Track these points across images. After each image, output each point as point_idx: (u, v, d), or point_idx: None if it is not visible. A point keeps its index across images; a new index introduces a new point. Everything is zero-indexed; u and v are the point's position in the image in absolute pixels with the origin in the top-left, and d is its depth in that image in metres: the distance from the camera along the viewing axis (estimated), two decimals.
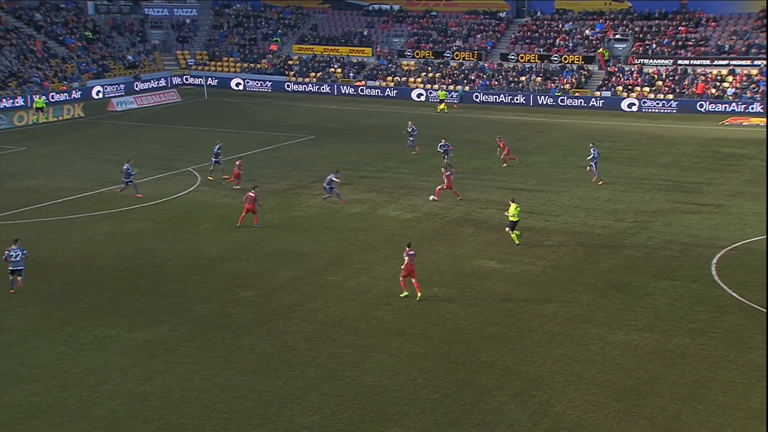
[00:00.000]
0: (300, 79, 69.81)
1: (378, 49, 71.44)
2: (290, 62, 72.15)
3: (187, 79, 71.64)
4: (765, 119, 53.92)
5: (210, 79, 69.67)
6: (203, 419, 17.04)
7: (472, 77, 66.17)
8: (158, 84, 68.84)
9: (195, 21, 78.80)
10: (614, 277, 25.53)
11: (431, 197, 34.24)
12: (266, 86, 69.33)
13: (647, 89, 61.22)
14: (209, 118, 55.82)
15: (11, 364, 19.25)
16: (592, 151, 37.40)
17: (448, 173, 34.11)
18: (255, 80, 70.00)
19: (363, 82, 67.93)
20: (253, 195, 30.02)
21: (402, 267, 23.58)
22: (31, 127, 51.47)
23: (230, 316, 22.35)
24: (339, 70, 70.28)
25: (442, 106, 59.49)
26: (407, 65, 69.72)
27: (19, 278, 23.80)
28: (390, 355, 20.00)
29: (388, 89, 66.61)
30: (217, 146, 37.89)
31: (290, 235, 29.63)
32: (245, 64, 72.55)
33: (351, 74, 69.38)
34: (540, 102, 61.98)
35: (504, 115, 57.91)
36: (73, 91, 61.57)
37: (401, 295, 23.54)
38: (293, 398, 17.90)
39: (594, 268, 26.25)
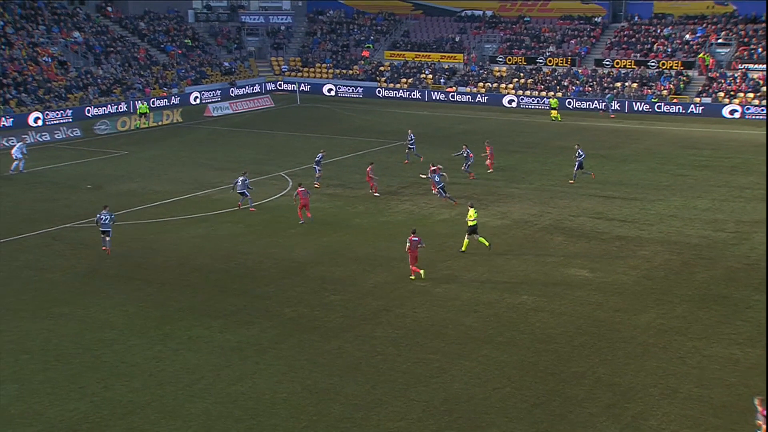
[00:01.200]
0: (391, 85, 70.20)
1: (473, 56, 71.14)
2: (382, 68, 72.67)
3: (280, 85, 73.04)
4: None
5: (303, 85, 70.82)
6: (292, 421, 17.32)
7: (565, 83, 65.17)
8: (253, 90, 70.44)
9: (289, 28, 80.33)
10: (712, 288, 24.67)
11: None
12: (358, 92, 70.02)
13: (751, 95, 58.95)
14: (301, 123, 56.76)
15: (112, 360, 20.02)
16: (577, 154, 37.76)
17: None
18: (347, 86, 70.79)
19: (454, 88, 67.82)
20: (303, 189, 31.67)
21: (406, 250, 25.44)
22: (132, 132, 53.45)
23: (319, 319, 22.64)
24: (430, 76, 70.35)
25: (555, 113, 58.56)
26: (499, 71, 69.21)
27: (107, 239, 27.50)
28: (478, 362, 19.87)
29: (479, 95, 66.30)
30: (320, 155, 38.32)
31: (379, 241, 29.81)
32: (337, 70, 73.47)
33: (442, 80, 69.36)
34: (636, 108, 60.52)
35: (598, 122, 56.78)
36: (173, 97, 63.64)
37: (411, 277, 25.46)
38: (380, 403, 17.99)
39: (690, 279, 25.45)
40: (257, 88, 71.10)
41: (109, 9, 72.92)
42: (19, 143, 42.50)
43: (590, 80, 64.76)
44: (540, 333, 21.63)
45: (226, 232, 30.93)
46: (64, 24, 66.74)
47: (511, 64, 69.29)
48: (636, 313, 22.82)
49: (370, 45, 76.03)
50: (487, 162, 41.11)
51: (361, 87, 70.29)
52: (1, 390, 18.43)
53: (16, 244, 28.93)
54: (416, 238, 25.50)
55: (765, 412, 15.16)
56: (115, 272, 26.23)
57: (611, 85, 63.44)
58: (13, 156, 40.88)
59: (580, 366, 19.64)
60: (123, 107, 59.21)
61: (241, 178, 33.69)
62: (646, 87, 62.34)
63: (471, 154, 39.67)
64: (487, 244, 28.13)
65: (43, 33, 64.06)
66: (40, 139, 48.39)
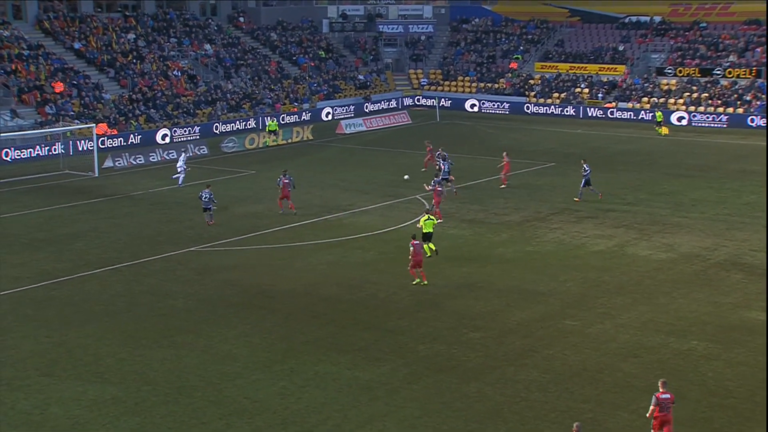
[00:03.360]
0: (541, 100, 69.60)
1: (626, 71, 69.61)
2: (531, 81, 72.19)
3: (419, 100, 73.82)
4: None
5: (443, 99, 71.31)
6: None
7: (748, 98, 62.52)
8: (389, 105, 71.53)
9: (430, 38, 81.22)
10: None
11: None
12: (503, 108, 69.80)
13: None
14: (440, 141, 56.88)
15: (235, 395, 20.65)
16: (583, 170, 39.04)
17: (439, 188, 36.25)
18: (491, 101, 70.73)
19: (613, 104, 66.43)
20: (287, 181, 36.19)
21: (409, 257, 27.47)
22: (261, 150, 55.37)
23: (456, 358, 22.56)
24: (586, 90, 69.27)
25: (662, 128, 57.87)
26: (667, 84, 67.30)
27: (209, 213, 34.86)
28: (638, 415, 19.21)
29: (642, 112, 64.64)
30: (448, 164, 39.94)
31: (524, 273, 29.46)
32: (482, 84, 73.58)
33: (600, 95, 68.13)
34: None
35: None
36: (303, 113, 65.57)
37: (413, 283, 27.49)
38: None
39: None
40: (393, 103, 72.15)
41: (241, 20, 76.18)
42: (183, 155, 45.61)
43: None
44: (713, 385, 20.69)
45: (357, 259, 31.38)
46: (195, 36, 70.27)
47: (682, 76, 67.19)
48: None
49: (519, 56, 75.73)
50: (501, 175, 42.09)
51: (507, 102, 70.05)
52: (122, 423, 19.33)
53: (139, 267, 30.46)
54: (417, 242, 27.85)
55: (660, 395, 17.58)
56: (238, 300, 27.13)
57: None
58: (178, 169, 43.86)
59: (764, 427, 18.61)
60: (252, 123, 61.52)
61: (206, 191, 35.33)
62: None
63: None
64: (432, 249, 30.45)
65: (174, 46, 67.68)
66: (167, 157, 50.90)
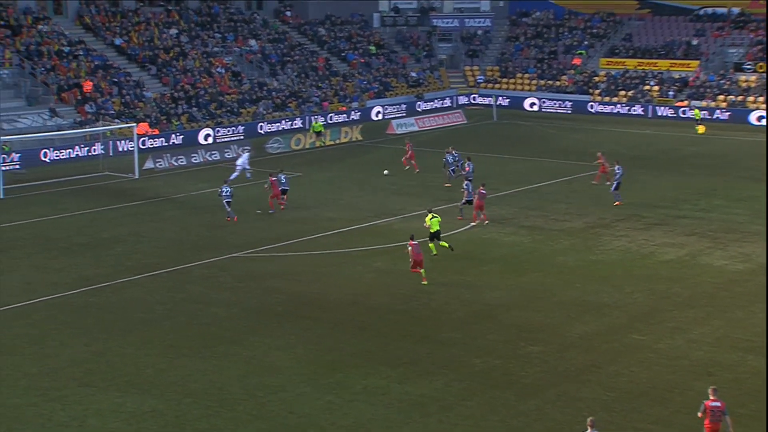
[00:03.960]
0: (607, 99, 68.96)
1: (698, 71, 68.65)
2: (596, 79, 71.59)
3: (474, 99, 73.63)
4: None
5: (501, 98, 71.05)
6: None
7: None
8: (442, 104, 71.48)
9: (488, 32, 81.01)
10: None
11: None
12: (565, 107, 69.32)
13: None
14: (497, 143, 56.89)
15: (279, 409, 20.78)
16: (616, 170, 39.54)
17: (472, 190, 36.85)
18: (552, 100, 70.30)
19: (686, 103, 65.56)
20: (274, 179, 38.00)
21: (409, 259, 28.74)
22: (307, 151, 55.70)
23: (514, 373, 22.45)
24: (656, 87, 68.46)
25: (700, 127, 57.19)
26: (746, 81, 66.22)
27: (228, 209, 37.08)
28: None
29: (717, 111, 63.68)
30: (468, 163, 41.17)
31: (587, 283, 29.21)
32: (542, 81, 73.15)
33: (670, 93, 67.29)
34: None
35: None
36: (352, 112, 65.83)
37: (423, 283, 28.72)
38: None
39: None
40: (447, 102, 72.10)
41: (288, 14, 76.78)
42: (245, 154, 47.10)
43: None
44: None
45: (407, 267, 31.38)
46: (240, 31, 71.03)
47: (762, 72, 66.01)
48: None
49: (583, 51, 75.13)
50: (598, 173, 43.10)
51: (569, 101, 69.55)
52: None
53: (180, 274, 30.85)
54: (415, 242, 28.95)
55: (710, 403, 17.56)
56: (283, 309, 27.33)
57: None
58: (237, 166, 45.46)
59: None
60: (298, 123, 61.92)
61: (226, 187, 37.89)
62: None
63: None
64: (446, 246, 31.60)
65: (217, 41, 68.49)
66: (210, 159, 51.49)
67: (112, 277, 30.27)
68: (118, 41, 63.58)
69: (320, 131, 57.60)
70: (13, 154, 48.03)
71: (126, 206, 40.76)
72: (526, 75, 74.56)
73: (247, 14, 74.40)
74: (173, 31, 67.16)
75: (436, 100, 71.48)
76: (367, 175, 46.85)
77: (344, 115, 64.88)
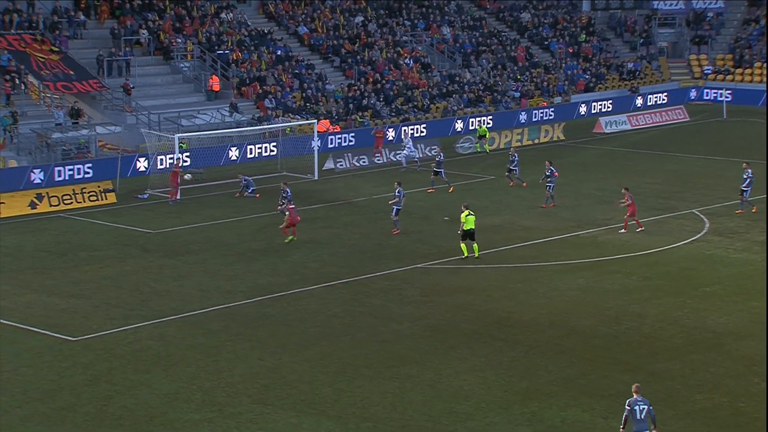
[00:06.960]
0: None
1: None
2: None
3: (700, 93, 71.43)
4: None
5: (732, 92, 68.50)
6: None
7: None
8: (660, 99, 69.71)
9: (720, 15, 78.30)
10: None
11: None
12: None
13: None
14: (726, 144, 54.91)
15: None
16: (744, 175, 39.10)
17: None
18: None
19: None
20: (293, 207, 36.53)
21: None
22: (501, 151, 55.49)
23: (744, 414, 21.63)
24: None
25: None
26: None
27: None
28: None
29: None
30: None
31: None
32: None
33: None
34: None
35: None
36: (554, 108, 65.16)
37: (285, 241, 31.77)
38: None
39: None
40: (666, 97, 70.21)
41: None
42: (409, 141, 51.35)
43: None
44: None
45: (615, 285, 30.78)
46: (432, 18, 71.71)
47: None
48: None
49: None
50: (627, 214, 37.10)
51: None
52: None
53: (360, 285, 31.43)
54: (293, 206, 33.86)
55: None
56: (472, 327, 27.35)
57: None
58: (409, 151, 49.89)
59: None
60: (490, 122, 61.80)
61: (246, 177, 43.29)
62: None
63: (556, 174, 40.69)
64: (466, 254, 32.80)
65: (407, 29, 69.48)
66: (394, 159, 52.18)
67: (287, 287, 31.21)
68: (301, 30, 65.30)
69: (484, 135, 55.70)
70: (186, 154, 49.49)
71: (303, 209, 41.88)
72: (766, 65, 71.43)
73: None
74: (358, 18, 68.63)
75: (653, 94, 69.83)
76: (570, 180, 46.23)
77: (545, 112, 64.30)
